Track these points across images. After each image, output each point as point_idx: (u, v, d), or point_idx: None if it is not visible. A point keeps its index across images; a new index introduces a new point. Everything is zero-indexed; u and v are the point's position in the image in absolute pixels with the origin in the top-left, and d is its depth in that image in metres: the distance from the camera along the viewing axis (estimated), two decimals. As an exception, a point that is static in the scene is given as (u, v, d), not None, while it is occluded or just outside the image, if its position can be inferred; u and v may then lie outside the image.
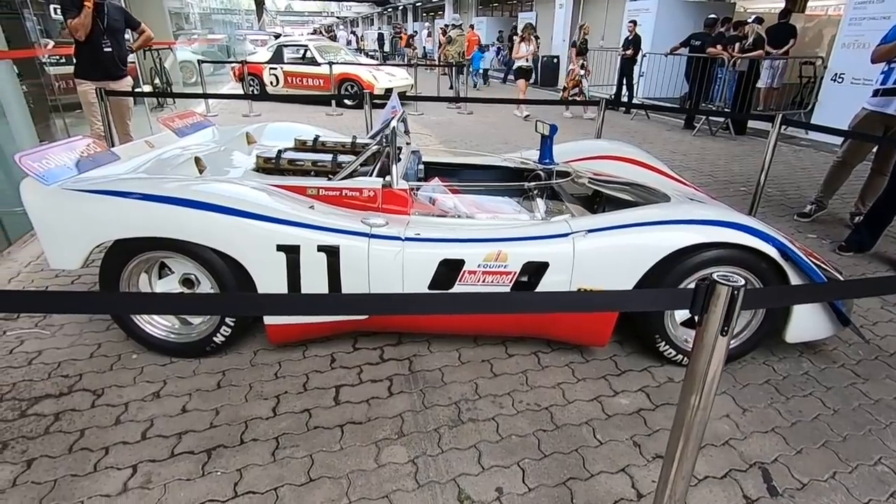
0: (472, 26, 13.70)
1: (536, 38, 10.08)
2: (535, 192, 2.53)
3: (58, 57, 4.77)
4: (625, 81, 9.95)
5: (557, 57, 14.76)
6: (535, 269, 2.06)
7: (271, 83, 10.59)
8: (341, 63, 10.22)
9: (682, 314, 2.20)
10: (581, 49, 9.88)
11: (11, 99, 3.34)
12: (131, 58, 7.76)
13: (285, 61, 10.62)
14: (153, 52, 9.01)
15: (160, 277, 2.23)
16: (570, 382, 2.13)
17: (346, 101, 9.55)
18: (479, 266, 2.06)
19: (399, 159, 2.55)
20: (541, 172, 2.86)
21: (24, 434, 1.78)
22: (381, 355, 2.28)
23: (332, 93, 9.67)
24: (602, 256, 2.05)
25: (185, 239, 1.96)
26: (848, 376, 2.23)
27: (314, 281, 2.05)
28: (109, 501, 1.54)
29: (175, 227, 1.95)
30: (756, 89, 8.24)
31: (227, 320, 2.12)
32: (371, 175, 2.48)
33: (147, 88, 9.30)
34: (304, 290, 2.06)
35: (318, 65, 10.10)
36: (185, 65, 11.00)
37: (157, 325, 2.20)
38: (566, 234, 2.07)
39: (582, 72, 9.39)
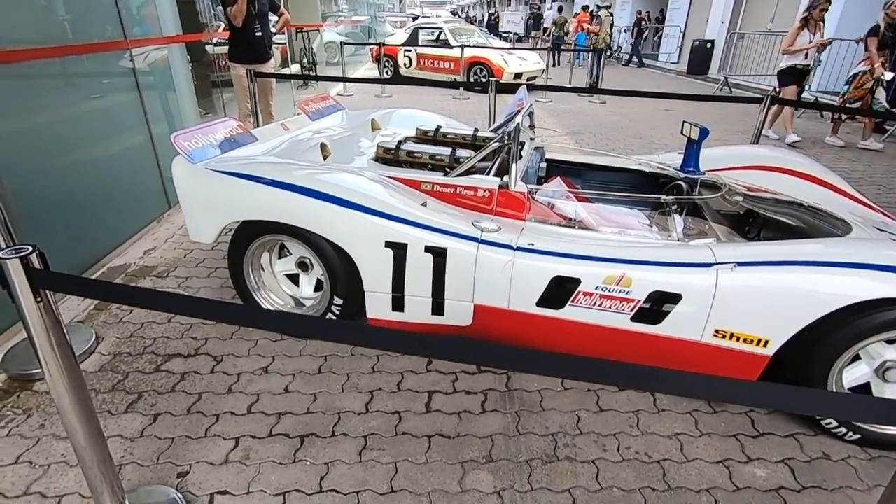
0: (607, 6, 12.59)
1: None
2: (674, 206, 2.20)
3: (218, 39, 5.30)
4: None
5: (712, 41, 13.15)
6: (664, 300, 1.78)
7: (405, 65, 10.89)
8: (473, 46, 10.13)
9: (853, 376, 1.76)
10: (889, 39, 5.94)
11: (181, 78, 3.75)
12: (282, 38, 8.48)
13: (420, 43, 10.82)
14: (303, 34, 9.73)
15: (280, 257, 2.35)
16: (691, 435, 1.83)
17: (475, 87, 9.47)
18: (596, 288, 1.83)
19: (520, 157, 2.38)
20: (682, 183, 2.49)
21: (156, 388, 1.99)
22: (479, 368, 2.17)
23: (460, 77, 9.65)
24: (753, 297, 1.70)
25: (300, 226, 2.02)
26: None
27: (418, 281, 1.99)
28: (212, 469, 1.65)
29: (293, 213, 2.01)
30: None
31: (335, 301, 2.16)
32: (489, 173, 2.35)
33: (296, 67, 10.13)
34: (407, 290, 2.02)
35: (451, 47, 10.13)
36: (329, 45, 11.75)
37: (273, 302, 2.33)
38: (709, 265, 1.74)
39: (889, 75, 5.83)
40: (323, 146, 2.52)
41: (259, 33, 4.30)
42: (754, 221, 2.29)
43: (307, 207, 1.98)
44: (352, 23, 15.74)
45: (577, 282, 1.84)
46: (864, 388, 1.78)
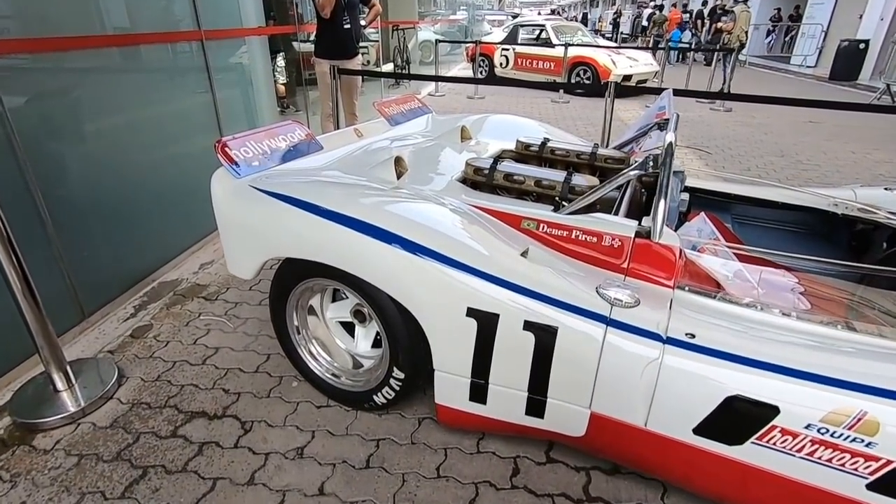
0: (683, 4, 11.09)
1: None
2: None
3: (308, 34, 5.03)
4: None
5: (866, 42, 11.12)
6: (942, 469, 1.02)
7: (501, 64, 10.29)
8: (577, 45, 9.28)
9: None
10: None
11: (260, 75, 3.45)
12: (375, 35, 8.24)
13: (519, 42, 10.15)
14: (399, 32, 9.48)
15: (334, 300, 1.85)
16: None
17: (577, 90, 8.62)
18: (808, 427, 1.11)
19: (668, 192, 1.69)
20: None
21: (166, 463, 1.57)
22: (587, 486, 1.52)
23: (561, 78, 8.85)
24: None
25: (352, 272, 1.49)
26: None
27: (511, 368, 1.39)
28: None
29: (342, 255, 1.49)
30: None
31: (395, 374, 1.61)
32: (616, 211, 1.68)
33: (389, 66, 9.92)
34: (493, 377, 1.42)
35: (553, 46, 9.36)
36: (424, 44, 11.46)
37: (321, 358, 1.84)
38: None
39: None
40: (398, 160, 1.99)
41: (347, 26, 3.91)
42: None
43: (361, 248, 1.44)
44: (449, 21, 15.44)
45: (772, 410, 1.13)
46: None
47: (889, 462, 1.05)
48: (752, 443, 1.17)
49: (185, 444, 1.64)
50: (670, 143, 1.56)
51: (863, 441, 1.07)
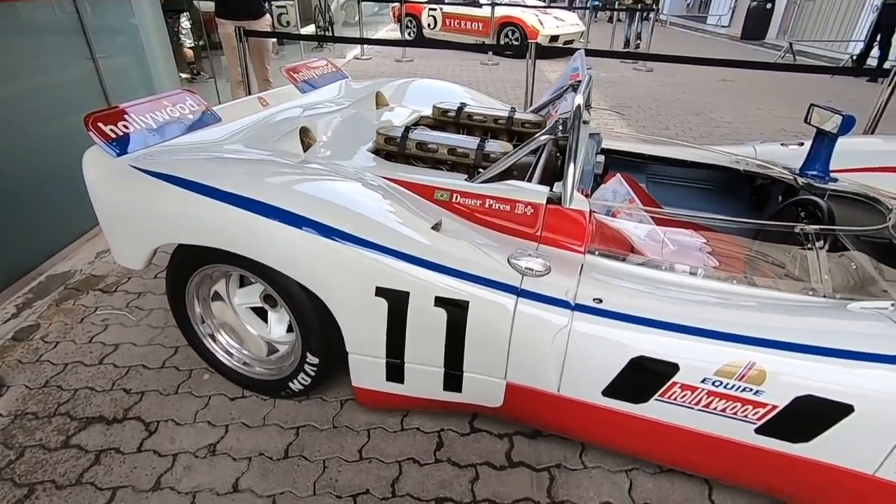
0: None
1: None
2: (815, 238, 1.46)
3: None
4: (879, 36, 7.34)
5: (772, 2, 11.72)
6: (819, 410, 1.10)
7: (429, 25, 9.95)
8: (504, 4, 9.12)
9: None
10: None
11: (153, 33, 3.08)
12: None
13: (446, 1, 9.83)
14: (318, -11, 8.90)
15: (242, 285, 1.72)
16: None
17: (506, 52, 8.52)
18: (703, 381, 1.16)
19: (577, 155, 1.68)
20: (818, 199, 1.73)
21: (56, 477, 1.42)
22: (510, 452, 1.54)
23: (490, 39, 8.71)
24: None
25: (252, 258, 1.38)
26: None
27: (425, 345, 1.35)
28: None
29: (240, 239, 1.37)
30: None
31: (309, 360, 1.53)
32: (530, 178, 1.65)
33: (310, 28, 9.34)
34: (408, 356, 1.38)
35: (480, 6, 9.15)
36: (348, 3, 10.86)
37: (230, 348, 1.72)
38: (907, 361, 1.05)
39: None
40: (304, 131, 1.85)
41: (249, -19, 3.58)
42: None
43: (257, 230, 1.33)
44: (374, -22, 14.68)
45: (672, 368, 1.17)
46: None
47: (774, 407, 1.12)
48: (656, 399, 1.21)
49: (79, 454, 1.49)
50: (578, 107, 1.53)
51: (751, 390, 1.13)
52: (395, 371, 1.41)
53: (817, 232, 1.43)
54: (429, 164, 1.86)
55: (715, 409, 1.17)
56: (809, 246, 1.42)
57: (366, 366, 1.44)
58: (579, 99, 1.57)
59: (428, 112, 2.33)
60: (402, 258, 1.31)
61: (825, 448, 1.12)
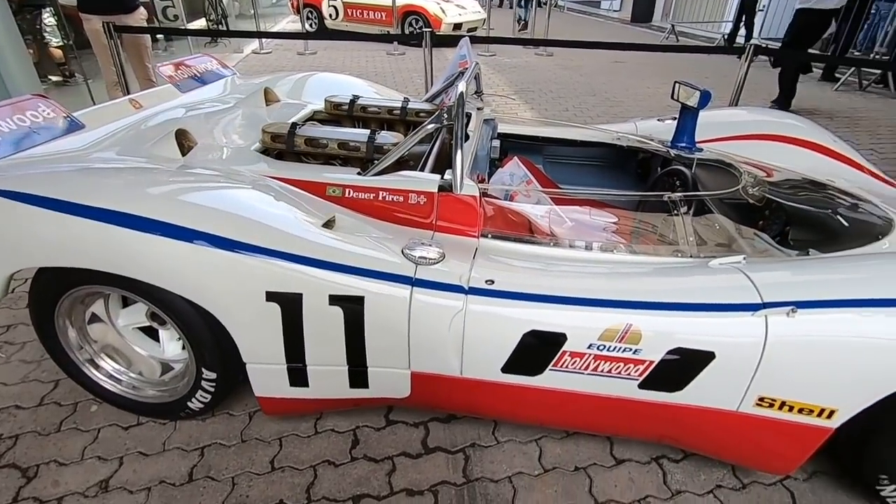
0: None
1: None
2: (682, 204, 1.60)
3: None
4: (744, 17, 8.15)
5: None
6: (687, 360, 1.21)
7: (330, 16, 9.64)
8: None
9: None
10: None
11: (2, 37, 2.72)
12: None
13: (346, -10, 9.57)
14: (206, -20, 8.32)
15: (125, 304, 1.59)
16: (719, 532, 1.33)
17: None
18: (589, 347, 1.23)
19: (466, 139, 1.71)
20: (683, 168, 1.89)
21: (-88, 547, 1.25)
22: (425, 439, 1.56)
23: (394, 29, 8.62)
24: (816, 353, 1.16)
25: (128, 276, 1.27)
26: None
27: (325, 345, 1.33)
28: None
29: (112, 257, 1.26)
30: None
31: (205, 375, 1.45)
32: (423, 167, 1.66)
33: (201, 23, 8.72)
34: (310, 358, 1.35)
35: (381, -5, 9.01)
36: (242, -6, 10.26)
37: (117, 374, 1.59)
38: (755, 307, 1.18)
39: None
40: (182, 133, 1.73)
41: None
42: (773, 214, 1.74)
43: (128, 245, 1.23)
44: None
45: (561, 338, 1.24)
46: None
47: (651, 363, 1.22)
48: (550, 370, 1.28)
49: (-61, 516, 1.32)
50: (461, 94, 1.55)
51: (631, 350, 1.22)
52: (299, 375, 1.38)
53: (682, 198, 1.57)
54: (321, 161, 1.81)
55: (602, 371, 1.25)
56: (676, 212, 1.55)
57: (267, 374, 1.38)
58: (462, 87, 1.59)
59: (321, 106, 2.26)
60: (292, 259, 1.26)
61: (696, 393, 1.24)
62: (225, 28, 8.64)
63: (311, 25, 9.69)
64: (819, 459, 1.47)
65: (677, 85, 2.01)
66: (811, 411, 1.20)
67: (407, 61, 7.55)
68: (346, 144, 1.74)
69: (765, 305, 1.17)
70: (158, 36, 7.76)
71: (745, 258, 1.36)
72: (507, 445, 1.54)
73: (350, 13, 9.38)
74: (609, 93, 5.93)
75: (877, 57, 5.43)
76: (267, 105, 2.28)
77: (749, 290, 1.21)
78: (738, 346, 1.18)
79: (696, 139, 2.20)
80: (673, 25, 9.93)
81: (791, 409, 1.21)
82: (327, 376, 1.38)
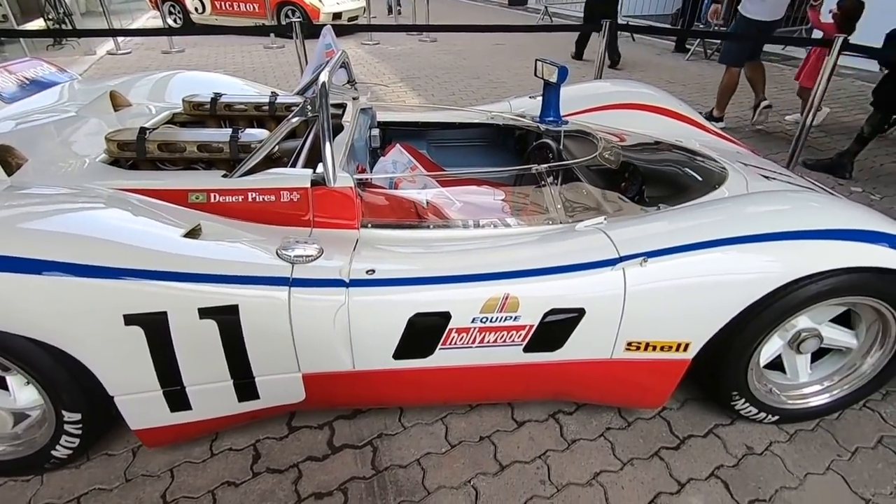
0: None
1: None
2: (548, 175, 1.69)
3: None
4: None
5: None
6: (562, 319, 1.30)
7: (196, 10, 8.90)
8: (277, -18, 8.58)
9: (768, 353, 1.50)
10: None
11: None
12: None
13: (209, -18, 8.87)
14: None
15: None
16: (611, 470, 1.45)
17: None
18: (473, 320, 1.28)
19: (340, 130, 1.68)
20: (549, 141, 2.01)
21: None
22: (331, 439, 1.53)
23: (269, 21, 8.16)
24: (668, 296, 1.30)
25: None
26: (980, 420, 1.62)
27: (202, 361, 1.24)
28: None
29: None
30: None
31: (67, 417, 1.29)
32: (294, 162, 1.60)
33: (39, 24, 7.66)
34: (187, 378, 1.26)
35: (250, -15, 8.47)
36: (86, -11, 9.14)
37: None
38: (613, 262, 1.29)
39: None
40: (5, 151, 1.50)
41: None
42: (631, 176, 1.91)
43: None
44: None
45: (445, 317, 1.27)
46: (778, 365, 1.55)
47: (531, 327, 1.29)
48: (441, 349, 1.30)
49: None
50: (323, 84, 1.51)
51: (512, 317, 1.28)
52: (178, 399, 1.28)
53: (547, 169, 1.67)
54: (182, 166, 1.68)
55: (488, 342, 1.31)
56: (544, 183, 1.64)
57: (141, 404, 1.27)
58: (324, 76, 1.54)
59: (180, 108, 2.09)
60: (150, 276, 1.16)
61: (574, 348, 1.33)
62: (70, 27, 7.65)
63: (174, 21, 8.88)
64: (689, 389, 1.67)
65: (538, 63, 2.11)
66: (670, 347, 1.34)
67: (287, 55, 7.20)
68: (207, 146, 1.62)
69: (621, 259, 1.28)
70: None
71: (605, 219, 1.48)
72: (414, 429, 1.56)
73: (218, 6, 8.73)
74: (492, 75, 6.12)
75: (715, 28, 6.19)
76: (116, 110, 2.06)
77: (608, 248, 1.32)
78: (603, 299, 1.28)
79: (567, 112, 2.34)
80: (546, 7, 10.42)
81: (654, 348, 1.34)
82: (211, 395, 1.30)
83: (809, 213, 1.40)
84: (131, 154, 1.59)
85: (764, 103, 4.18)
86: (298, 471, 1.44)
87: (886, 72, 3.27)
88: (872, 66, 5.48)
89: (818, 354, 1.56)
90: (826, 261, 1.29)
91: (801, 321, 1.45)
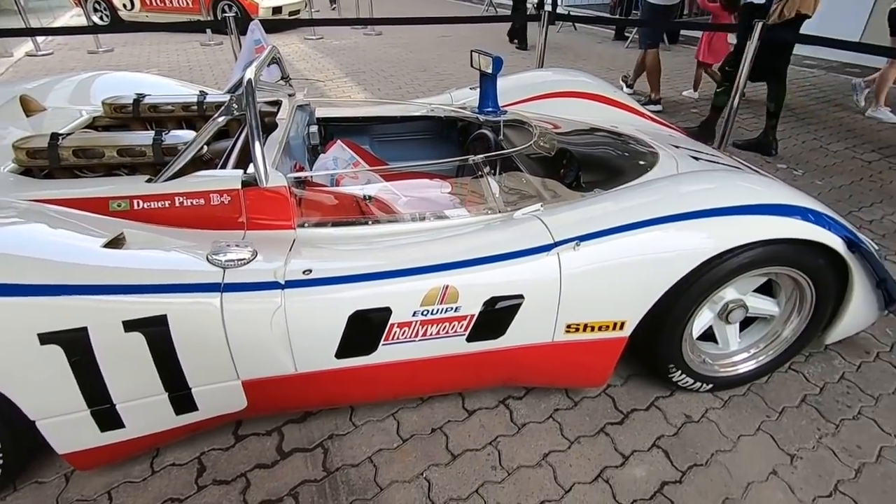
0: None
1: None
2: (484, 165, 1.71)
3: None
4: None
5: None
6: (502, 307, 1.32)
7: (125, 6, 8.41)
8: (212, -25, 8.22)
9: (700, 324, 1.58)
10: None
11: None
12: None
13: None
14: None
15: None
16: (559, 450, 1.49)
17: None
18: (414, 314, 1.28)
19: (273, 128, 1.63)
20: (487, 131, 2.02)
21: None
22: (280, 444, 1.50)
23: (205, 16, 7.82)
24: (602, 277, 1.34)
25: None
26: (890, 373, 1.77)
27: (131, 378, 1.19)
28: None
29: None
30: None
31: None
32: (225, 164, 1.55)
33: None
34: (116, 395, 1.20)
35: (181, -21, 8.08)
36: (-3, -15, 8.46)
37: None
38: (548, 247, 1.31)
39: None
40: None
41: None
42: (568, 163, 1.95)
43: None
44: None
45: (386, 312, 1.26)
46: (709, 336, 1.63)
47: (472, 316, 1.31)
48: (384, 345, 1.30)
49: None
50: (249, 81, 1.46)
51: (452, 308, 1.29)
52: (108, 417, 1.22)
53: (483, 160, 1.68)
54: (102, 173, 1.58)
55: (431, 334, 1.31)
56: (481, 173, 1.66)
57: (67, 427, 1.20)
58: (249, 73, 1.49)
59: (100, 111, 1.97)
60: (66, 291, 1.10)
61: (517, 334, 1.36)
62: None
63: (101, 18, 8.37)
64: (632, 365, 1.73)
65: (474, 53, 2.12)
66: (607, 327, 1.39)
67: (226, 52, 6.92)
68: (128, 150, 1.54)
69: (556, 244, 1.31)
70: None
71: (542, 206, 1.51)
72: (365, 427, 1.55)
73: (148, 2, 8.28)
74: (439, 67, 6.10)
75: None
76: (28, 116, 1.92)
77: (544, 234, 1.34)
78: (541, 284, 1.31)
79: (509, 101, 2.37)
80: (490, -3, 10.48)
81: (592, 328, 1.39)
82: (145, 410, 1.24)
83: (730, 191, 1.47)
84: (43, 162, 1.49)
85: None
86: (246, 480, 1.40)
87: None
88: (837, 56, 5.90)
89: (744, 325, 1.65)
90: (746, 234, 1.36)
91: (728, 293, 1.53)
